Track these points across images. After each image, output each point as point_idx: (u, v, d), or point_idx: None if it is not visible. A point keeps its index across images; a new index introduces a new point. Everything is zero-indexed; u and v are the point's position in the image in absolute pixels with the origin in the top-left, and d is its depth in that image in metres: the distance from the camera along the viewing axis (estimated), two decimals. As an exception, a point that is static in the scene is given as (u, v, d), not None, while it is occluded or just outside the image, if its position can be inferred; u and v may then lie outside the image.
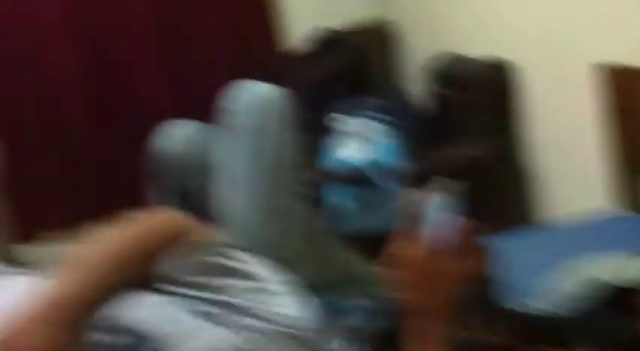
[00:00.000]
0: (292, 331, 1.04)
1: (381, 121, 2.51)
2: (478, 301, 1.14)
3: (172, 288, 1.08)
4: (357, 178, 2.38)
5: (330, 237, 1.57)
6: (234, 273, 1.10)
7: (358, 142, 2.44)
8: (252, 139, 1.44)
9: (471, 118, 2.48)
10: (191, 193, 1.57)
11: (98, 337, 0.97)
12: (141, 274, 1.08)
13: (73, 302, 0.97)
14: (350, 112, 2.53)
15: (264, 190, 1.42)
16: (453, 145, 2.50)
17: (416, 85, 2.91)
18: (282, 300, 1.09)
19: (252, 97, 1.47)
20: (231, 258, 1.12)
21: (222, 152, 1.47)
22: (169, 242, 1.10)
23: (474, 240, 1.01)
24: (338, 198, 2.48)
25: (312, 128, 2.77)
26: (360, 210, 2.43)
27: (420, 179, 2.53)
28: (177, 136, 1.58)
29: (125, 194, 2.83)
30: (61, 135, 3.02)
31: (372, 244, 1.69)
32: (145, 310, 1.03)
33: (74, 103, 2.99)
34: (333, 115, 2.55)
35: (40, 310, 0.95)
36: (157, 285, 1.08)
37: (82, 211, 3.08)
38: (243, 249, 1.17)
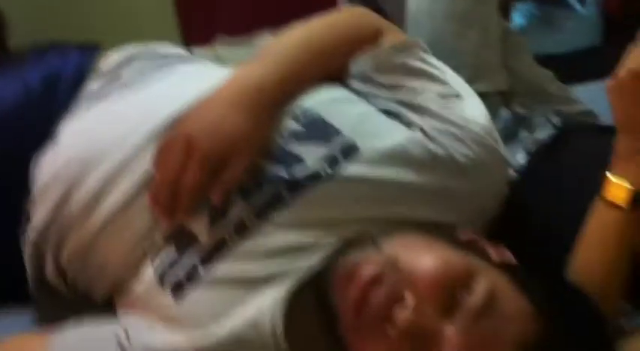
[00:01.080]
0: (480, 137, 1.04)
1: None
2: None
3: (365, 86, 1.10)
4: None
5: (524, 51, 1.52)
6: (430, 77, 1.10)
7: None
8: None
9: None
10: None
11: (292, 125, 1.02)
12: (338, 67, 1.11)
13: (271, 88, 1.01)
14: None
15: None
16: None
17: None
18: (473, 107, 1.09)
19: None
20: (427, 62, 1.12)
21: None
22: (368, 38, 1.11)
23: None
24: (526, 18, 2.39)
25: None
26: (547, 30, 2.35)
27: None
28: None
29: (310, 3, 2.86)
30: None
31: (558, 64, 1.65)
32: (338, 105, 1.06)
33: None
34: None
35: (241, 95, 1.00)
36: (351, 81, 1.11)
37: (265, 18, 3.14)
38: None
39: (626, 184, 0.96)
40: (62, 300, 1.10)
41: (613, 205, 0.97)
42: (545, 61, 1.60)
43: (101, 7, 3.00)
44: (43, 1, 2.94)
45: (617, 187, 0.97)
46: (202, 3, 3.13)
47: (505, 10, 2.36)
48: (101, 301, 1.06)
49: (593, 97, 1.47)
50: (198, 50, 3.26)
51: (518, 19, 2.42)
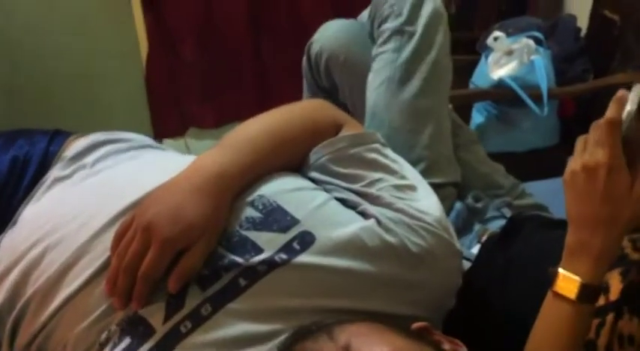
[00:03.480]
0: (433, 228, 1.07)
1: (537, 41, 2.46)
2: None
3: (323, 176, 1.13)
4: (506, 97, 2.36)
5: (477, 148, 1.58)
6: (385, 169, 1.14)
7: (511, 61, 2.40)
8: (416, 43, 1.44)
9: (633, 42, 2.38)
10: (339, 91, 1.61)
11: (251, 212, 1.03)
12: (297, 156, 1.14)
13: (232, 175, 1.03)
14: (507, 31, 2.49)
15: (418, 95, 1.43)
16: (610, 71, 2.43)
17: (581, 7, 2.79)
18: (427, 200, 1.12)
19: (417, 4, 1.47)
20: (384, 155, 1.16)
21: (379, 51, 1.48)
22: (327, 130, 1.16)
23: None
24: (484, 116, 2.47)
25: (467, 46, 2.75)
26: (505, 129, 2.42)
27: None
28: (331, 33, 1.59)
29: (280, 96, 2.93)
30: (220, 36, 3.12)
31: (515, 163, 1.70)
32: (296, 194, 1.08)
33: (235, 5, 3.07)
34: (490, 33, 2.51)
35: (202, 181, 1.01)
36: (309, 171, 1.14)
37: (236, 111, 3.20)
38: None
39: (575, 277, 0.97)
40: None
41: (562, 298, 0.98)
42: (503, 158, 1.65)
43: (77, 102, 3.07)
44: (20, 93, 2.99)
45: (566, 280, 0.98)
46: (174, 97, 3.19)
47: (465, 109, 2.44)
48: None
49: (545, 194, 1.52)
50: (168, 141, 3.33)
51: (477, 117, 2.49)
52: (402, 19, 1.46)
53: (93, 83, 3.09)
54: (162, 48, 3.11)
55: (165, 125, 3.22)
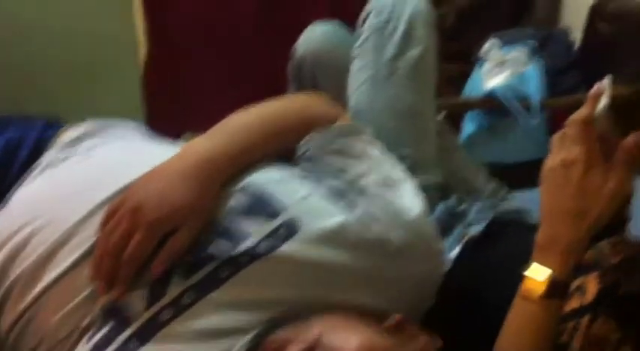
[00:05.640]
0: (415, 224, 1.08)
1: (530, 52, 2.48)
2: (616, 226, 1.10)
3: (311, 166, 1.14)
4: (497, 107, 2.38)
5: (462, 152, 1.60)
6: (372, 162, 1.14)
7: (503, 71, 2.42)
8: (399, 40, 1.45)
9: (625, 57, 2.40)
10: (324, 92, 1.62)
11: (239, 199, 1.04)
12: (289, 146, 1.15)
13: (221, 162, 1.04)
14: (502, 42, 2.51)
15: (402, 92, 1.44)
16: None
17: (574, 19, 2.82)
18: (410, 196, 1.13)
19: (399, 1, 1.48)
20: (372, 148, 1.17)
21: (363, 51, 1.50)
22: (321, 122, 1.17)
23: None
24: (475, 126, 2.49)
25: (460, 57, 2.77)
26: (495, 140, 2.44)
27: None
28: (315, 37, 1.60)
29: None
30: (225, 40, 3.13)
31: (504, 174, 1.72)
32: (285, 183, 1.09)
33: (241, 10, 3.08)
34: (483, 43, 2.54)
35: (191, 166, 1.02)
36: (299, 161, 1.15)
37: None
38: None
39: (543, 271, 0.98)
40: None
41: (530, 292, 0.99)
42: (492, 169, 1.67)
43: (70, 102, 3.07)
44: (11, 87, 2.99)
45: (529, 281, 1.00)
46: (171, 100, 3.19)
47: (456, 119, 2.46)
48: None
49: (528, 203, 1.53)
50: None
51: (468, 127, 2.51)
52: (383, 17, 1.47)
53: (86, 77, 3.09)
54: (163, 49, 3.12)
55: (160, 129, 3.22)
